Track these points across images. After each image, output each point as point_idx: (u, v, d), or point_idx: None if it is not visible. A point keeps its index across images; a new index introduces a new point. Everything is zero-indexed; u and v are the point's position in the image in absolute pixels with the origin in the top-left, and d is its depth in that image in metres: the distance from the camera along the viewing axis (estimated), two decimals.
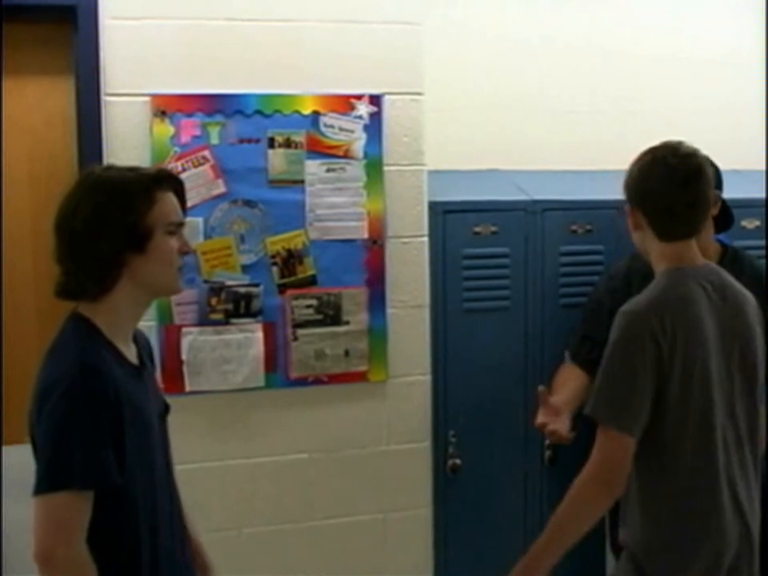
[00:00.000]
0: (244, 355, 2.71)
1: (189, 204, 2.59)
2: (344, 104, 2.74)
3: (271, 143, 2.69)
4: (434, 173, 2.86)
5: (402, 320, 2.83)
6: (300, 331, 2.74)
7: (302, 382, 2.76)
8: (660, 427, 1.98)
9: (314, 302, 2.75)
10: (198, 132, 2.64)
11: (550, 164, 3.18)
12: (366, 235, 2.78)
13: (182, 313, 2.67)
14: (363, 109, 2.75)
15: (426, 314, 2.86)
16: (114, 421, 1.62)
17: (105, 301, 1.71)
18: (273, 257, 2.72)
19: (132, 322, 1.79)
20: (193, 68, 2.64)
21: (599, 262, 2.97)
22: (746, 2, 3.50)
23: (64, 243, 1.71)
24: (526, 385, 2.95)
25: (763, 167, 3.11)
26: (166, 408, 1.91)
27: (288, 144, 2.70)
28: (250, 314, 2.71)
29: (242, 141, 2.67)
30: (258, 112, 2.68)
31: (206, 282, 2.67)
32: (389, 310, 2.82)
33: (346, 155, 2.75)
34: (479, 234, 2.92)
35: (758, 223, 3.03)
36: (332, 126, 2.74)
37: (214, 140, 2.65)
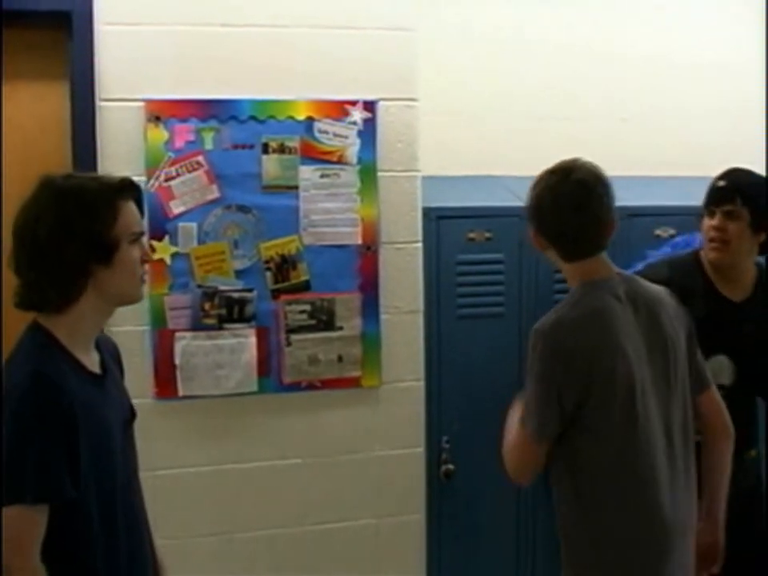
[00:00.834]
0: (237, 360, 2.71)
1: (183, 209, 2.66)
2: (338, 110, 2.75)
3: (265, 149, 2.70)
4: (428, 178, 2.87)
5: (396, 326, 2.84)
6: (293, 336, 2.75)
7: (295, 387, 2.77)
8: (579, 438, 2.00)
9: (307, 307, 2.76)
10: (192, 137, 2.65)
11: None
12: (359, 241, 2.78)
13: (176, 317, 2.67)
14: (357, 114, 2.76)
15: (419, 320, 2.86)
16: (67, 432, 1.59)
17: (67, 311, 1.68)
18: (266, 262, 2.72)
19: (93, 330, 1.77)
20: (187, 73, 2.65)
21: None
22: (745, 4, 3.51)
23: (25, 253, 1.67)
24: (520, 391, 2.94)
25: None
26: (133, 414, 1.88)
27: (282, 150, 2.71)
28: (243, 318, 2.71)
29: (236, 146, 2.68)
30: (252, 117, 2.69)
31: (199, 286, 2.68)
32: (382, 316, 2.82)
33: (340, 161, 2.75)
34: (473, 240, 2.92)
35: None
36: (326, 132, 2.74)
37: (208, 145, 2.66)
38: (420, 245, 2.85)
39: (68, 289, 1.67)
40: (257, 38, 2.69)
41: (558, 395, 1.95)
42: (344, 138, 2.75)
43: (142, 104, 2.61)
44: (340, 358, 2.79)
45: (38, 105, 2.71)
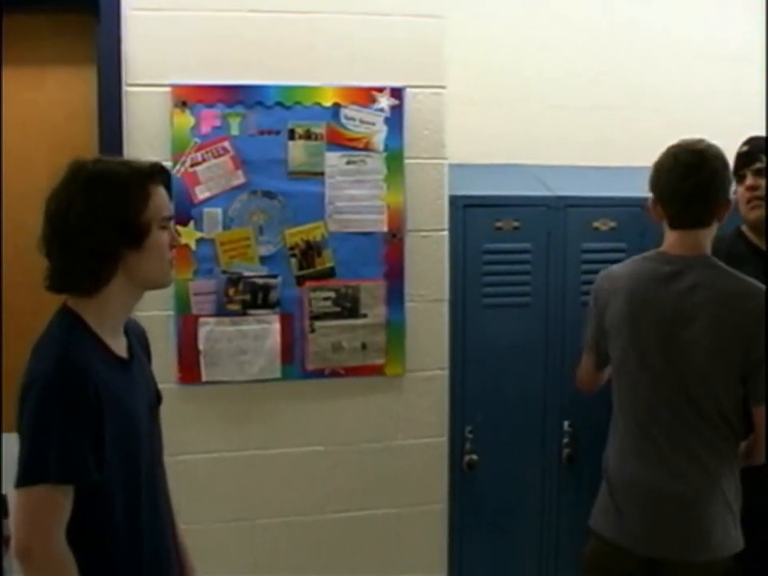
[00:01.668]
0: (261, 346, 2.71)
1: (208, 194, 2.66)
2: (365, 96, 2.73)
3: (291, 135, 2.69)
4: (455, 166, 2.84)
5: (421, 314, 2.82)
6: (317, 323, 2.74)
7: (318, 374, 2.76)
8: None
9: (332, 294, 2.75)
10: (218, 123, 2.64)
11: (574, 159, 3.14)
12: (385, 228, 2.77)
13: (200, 303, 2.67)
14: (384, 101, 2.74)
15: (444, 309, 2.84)
16: (92, 416, 1.61)
17: (97, 295, 1.70)
18: (291, 248, 2.71)
19: (122, 314, 1.79)
20: (214, 59, 2.64)
21: (622, 260, 2.93)
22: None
23: (57, 238, 1.68)
24: (545, 382, 2.93)
25: None
26: (159, 399, 1.90)
27: (308, 136, 2.70)
28: (267, 305, 2.71)
29: (262, 132, 2.67)
30: (279, 103, 2.67)
31: (224, 272, 2.68)
32: (407, 304, 2.80)
33: (367, 148, 2.74)
34: (501, 229, 2.89)
35: None
36: (353, 119, 2.72)
37: (234, 131, 2.65)
38: (446, 233, 2.82)
39: (98, 273, 1.69)
40: (284, 24, 2.67)
41: (595, 320, 2.44)
42: (371, 124, 2.74)
43: (168, 89, 2.61)
44: (364, 346, 2.78)
45: (65, 90, 2.72)
